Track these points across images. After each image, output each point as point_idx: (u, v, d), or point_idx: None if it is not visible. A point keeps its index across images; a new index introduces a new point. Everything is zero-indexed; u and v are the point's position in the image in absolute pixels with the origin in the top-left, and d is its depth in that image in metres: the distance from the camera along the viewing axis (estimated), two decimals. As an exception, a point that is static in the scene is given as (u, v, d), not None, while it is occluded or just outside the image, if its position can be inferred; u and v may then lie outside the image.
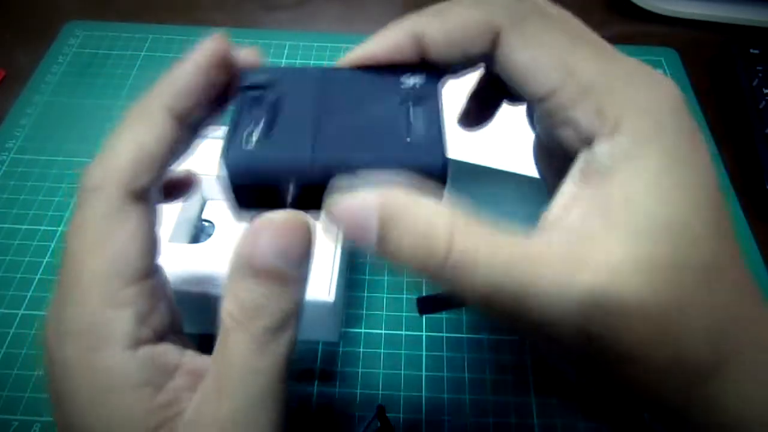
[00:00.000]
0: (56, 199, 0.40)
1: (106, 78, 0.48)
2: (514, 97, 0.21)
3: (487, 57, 0.19)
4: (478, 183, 0.32)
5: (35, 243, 0.38)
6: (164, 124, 0.18)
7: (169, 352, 0.18)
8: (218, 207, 0.37)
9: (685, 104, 0.16)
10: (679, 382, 0.16)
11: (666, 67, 0.50)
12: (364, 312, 0.35)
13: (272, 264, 0.16)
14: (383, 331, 0.34)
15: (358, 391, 0.32)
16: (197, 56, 0.19)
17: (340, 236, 0.31)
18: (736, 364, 0.16)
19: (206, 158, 0.35)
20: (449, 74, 0.21)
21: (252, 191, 0.18)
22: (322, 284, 0.29)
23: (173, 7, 0.54)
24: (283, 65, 0.49)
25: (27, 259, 0.37)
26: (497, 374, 0.33)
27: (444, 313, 0.35)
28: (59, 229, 0.38)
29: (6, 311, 0.35)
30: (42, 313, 0.18)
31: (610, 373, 0.16)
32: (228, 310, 0.16)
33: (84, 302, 0.17)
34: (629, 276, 0.15)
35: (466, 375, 0.33)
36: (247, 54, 0.20)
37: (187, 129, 0.19)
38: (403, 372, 0.33)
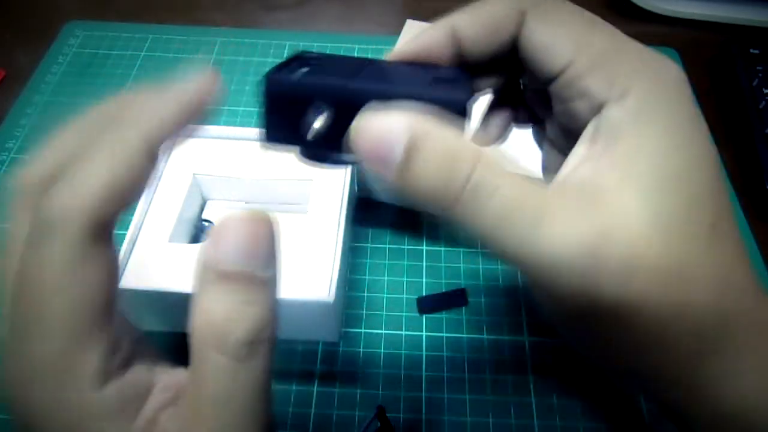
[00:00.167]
0: (56, 199, 0.40)
1: (106, 78, 0.48)
2: (521, 120, 0.24)
3: (511, 52, 0.21)
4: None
5: (35, 243, 0.38)
6: (140, 157, 0.17)
7: (139, 376, 0.17)
8: (218, 207, 0.37)
9: (686, 81, 0.18)
10: (682, 346, 0.16)
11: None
12: (364, 312, 0.35)
13: (240, 266, 0.15)
14: (383, 331, 0.34)
15: (358, 391, 0.32)
16: (185, 93, 0.18)
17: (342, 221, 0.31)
18: (735, 341, 0.16)
19: (206, 158, 0.35)
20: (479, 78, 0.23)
21: (283, 110, 0.18)
22: (322, 284, 0.29)
23: (173, 7, 0.54)
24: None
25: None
26: (497, 374, 0.33)
27: (444, 313, 0.35)
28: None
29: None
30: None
31: (612, 329, 0.16)
32: (197, 328, 0.15)
33: (50, 344, 0.16)
34: (640, 223, 0.16)
35: (466, 375, 0.33)
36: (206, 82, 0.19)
37: (154, 160, 0.18)
38: (403, 372, 0.33)
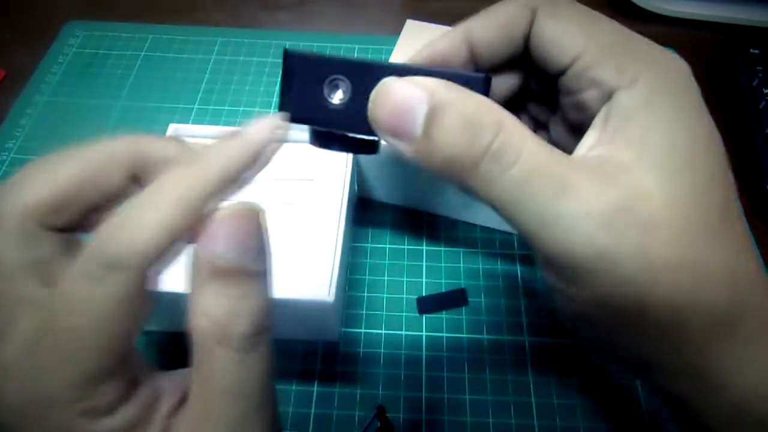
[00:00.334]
0: (56, 199, 0.40)
1: (106, 78, 0.48)
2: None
3: (523, 53, 0.21)
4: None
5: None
6: (201, 209, 0.16)
7: (146, 391, 0.17)
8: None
9: (691, 73, 0.19)
10: (694, 332, 0.16)
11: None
12: (364, 312, 0.35)
13: (234, 260, 0.15)
14: (383, 331, 0.34)
15: (358, 391, 0.32)
16: (254, 145, 0.17)
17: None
18: (747, 328, 0.16)
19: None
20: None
21: (303, 84, 0.18)
22: (322, 284, 0.29)
23: (173, 7, 0.54)
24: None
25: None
26: (497, 374, 0.33)
27: (444, 313, 0.35)
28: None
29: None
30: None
31: (626, 311, 0.16)
32: (198, 327, 0.15)
33: (75, 372, 0.15)
34: (658, 200, 0.16)
35: (466, 375, 0.33)
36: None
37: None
38: (403, 372, 0.33)
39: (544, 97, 0.23)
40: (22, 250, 0.16)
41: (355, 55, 0.50)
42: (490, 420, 0.31)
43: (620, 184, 0.16)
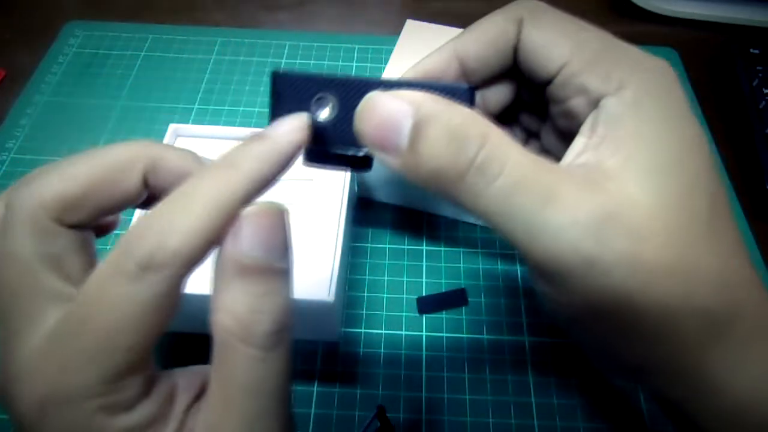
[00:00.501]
0: (56, 199, 0.40)
1: (106, 78, 0.48)
2: (518, 139, 0.25)
3: (511, 67, 0.21)
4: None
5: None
6: (234, 213, 0.16)
7: (163, 387, 0.17)
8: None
9: (677, 77, 0.19)
10: (688, 336, 0.16)
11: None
12: (364, 312, 0.35)
13: (259, 258, 0.15)
14: (383, 331, 0.34)
15: (358, 391, 0.32)
16: (284, 148, 0.17)
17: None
18: (740, 330, 0.16)
19: (206, 159, 0.35)
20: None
21: (291, 104, 0.19)
22: (322, 284, 0.29)
23: (173, 7, 0.54)
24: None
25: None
26: (497, 374, 0.33)
27: (444, 313, 0.35)
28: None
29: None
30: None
31: (617, 318, 0.16)
32: (221, 324, 0.15)
33: (103, 368, 0.15)
34: (643, 206, 0.16)
35: (466, 375, 0.33)
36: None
37: None
38: (403, 372, 0.33)
39: (534, 106, 0.23)
40: (37, 242, 0.16)
41: (355, 55, 0.50)
42: (490, 420, 0.31)
43: (606, 192, 0.16)
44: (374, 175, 0.38)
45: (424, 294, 0.36)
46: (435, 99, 0.17)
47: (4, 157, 0.42)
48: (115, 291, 0.15)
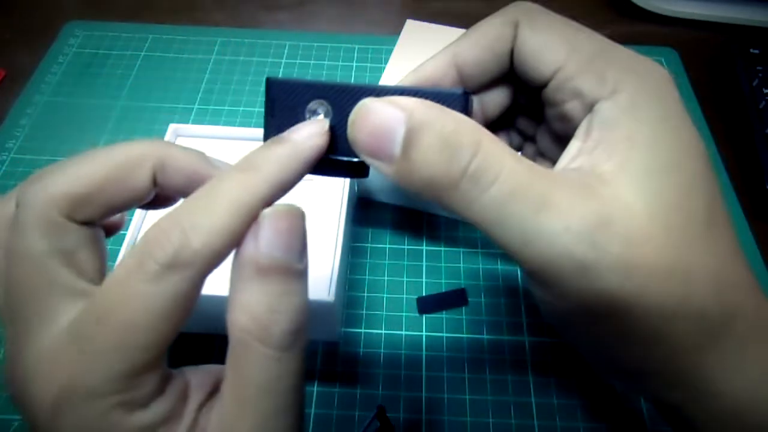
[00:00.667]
0: (56, 199, 0.40)
1: (106, 78, 0.48)
2: (514, 143, 0.25)
3: (508, 72, 0.21)
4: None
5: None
6: (248, 221, 0.16)
7: (176, 385, 0.17)
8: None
9: (672, 80, 0.19)
10: (684, 340, 0.16)
11: (666, 67, 0.50)
12: (364, 312, 0.35)
13: (278, 258, 0.16)
14: (383, 331, 0.34)
15: (358, 391, 0.32)
16: (305, 151, 0.18)
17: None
18: (736, 333, 0.16)
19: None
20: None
21: (285, 111, 0.19)
22: (322, 284, 0.29)
23: (173, 7, 0.54)
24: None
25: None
26: (497, 374, 0.33)
27: (444, 313, 0.35)
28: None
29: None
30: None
31: (613, 323, 0.16)
32: (238, 323, 0.15)
33: (122, 363, 0.15)
34: (637, 211, 0.16)
35: (466, 375, 0.33)
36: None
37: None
38: (403, 372, 0.33)
39: (530, 110, 0.23)
40: (49, 238, 0.17)
41: (355, 55, 0.50)
42: (490, 420, 0.31)
43: (600, 197, 0.16)
44: (374, 175, 0.38)
45: (424, 294, 0.36)
46: (428, 105, 0.16)
47: (4, 157, 0.42)
48: (136, 289, 0.15)
